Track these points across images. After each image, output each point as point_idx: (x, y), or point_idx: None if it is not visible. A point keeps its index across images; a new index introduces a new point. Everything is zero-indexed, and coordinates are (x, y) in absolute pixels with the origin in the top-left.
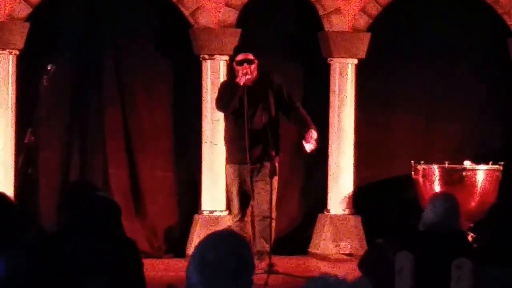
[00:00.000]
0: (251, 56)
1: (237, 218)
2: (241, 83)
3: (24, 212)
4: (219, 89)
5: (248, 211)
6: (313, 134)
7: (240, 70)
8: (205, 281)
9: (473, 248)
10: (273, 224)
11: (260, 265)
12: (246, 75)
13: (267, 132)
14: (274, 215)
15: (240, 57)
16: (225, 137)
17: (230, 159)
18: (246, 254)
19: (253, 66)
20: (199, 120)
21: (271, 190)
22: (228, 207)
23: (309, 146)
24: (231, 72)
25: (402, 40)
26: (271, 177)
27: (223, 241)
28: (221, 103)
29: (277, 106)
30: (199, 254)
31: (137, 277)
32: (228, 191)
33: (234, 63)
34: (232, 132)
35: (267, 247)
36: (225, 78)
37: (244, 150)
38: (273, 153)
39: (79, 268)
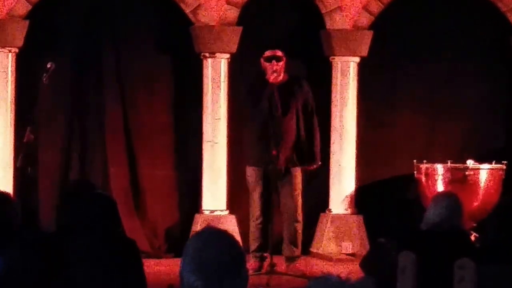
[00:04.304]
0: (279, 53)
1: (258, 221)
2: (271, 80)
3: (23, 210)
4: (246, 88)
5: (271, 214)
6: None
7: (268, 67)
8: (203, 281)
9: (475, 248)
10: (300, 226)
11: (289, 268)
12: (275, 72)
13: (296, 135)
14: (300, 218)
15: (268, 53)
16: (248, 138)
17: (253, 161)
18: (234, 252)
19: (281, 63)
20: (199, 118)
21: (297, 194)
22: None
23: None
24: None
25: (404, 39)
26: (298, 181)
27: (211, 241)
28: (251, 102)
29: (303, 112)
30: (193, 256)
31: (137, 277)
32: (250, 193)
33: (262, 60)
34: (258, 133)
35: (296, 251)
36: (254, 76)
37: (271, 152)
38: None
39: (78, 267)
